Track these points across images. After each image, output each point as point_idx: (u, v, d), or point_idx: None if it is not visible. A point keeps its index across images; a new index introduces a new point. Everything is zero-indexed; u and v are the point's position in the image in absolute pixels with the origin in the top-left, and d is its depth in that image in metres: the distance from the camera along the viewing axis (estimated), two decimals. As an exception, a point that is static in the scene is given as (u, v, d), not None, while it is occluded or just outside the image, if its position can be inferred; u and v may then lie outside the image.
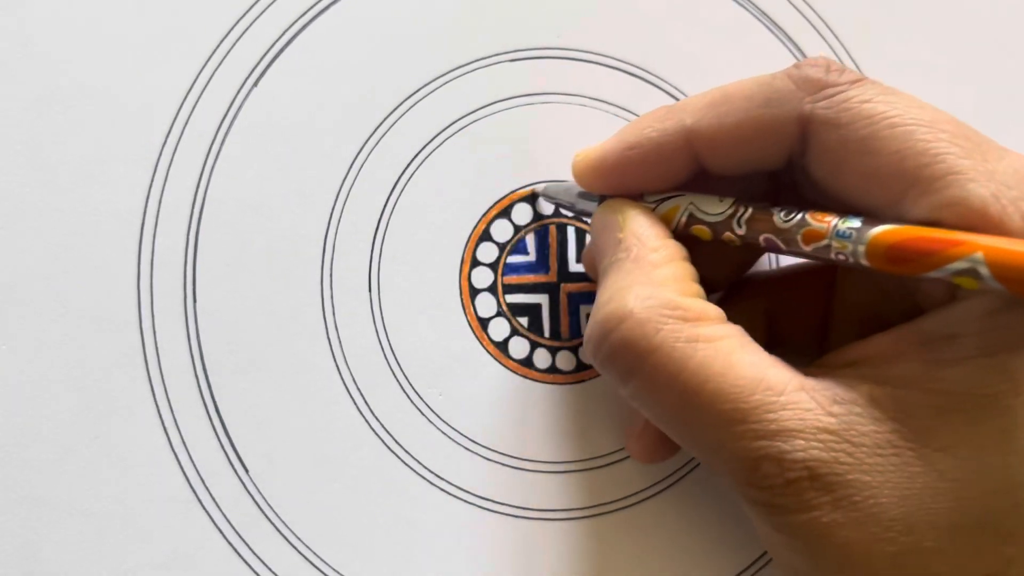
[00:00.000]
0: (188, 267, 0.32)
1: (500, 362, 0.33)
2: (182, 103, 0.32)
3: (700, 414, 0.25)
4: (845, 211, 0.25)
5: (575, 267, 0.33)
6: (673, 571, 0.32)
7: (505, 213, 0.33)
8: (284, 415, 0.32)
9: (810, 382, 0.25)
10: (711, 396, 0.24)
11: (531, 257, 0.33)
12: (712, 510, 0.33)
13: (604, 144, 0.29)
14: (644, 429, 0.31)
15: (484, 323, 0.33)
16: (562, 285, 0.33)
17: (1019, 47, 0.35)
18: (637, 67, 0.34)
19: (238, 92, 0.33)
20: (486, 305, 0.33)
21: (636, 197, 0.29)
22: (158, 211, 0.32)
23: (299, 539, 0.31)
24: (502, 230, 0.33)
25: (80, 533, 0.31)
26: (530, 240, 0.33)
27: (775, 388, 0.24)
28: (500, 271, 0.33)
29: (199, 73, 0.32)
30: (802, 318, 0.31)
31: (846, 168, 0.25)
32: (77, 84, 0.32)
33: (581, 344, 0.33)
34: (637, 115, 0.34)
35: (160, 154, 0.32)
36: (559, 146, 0.34)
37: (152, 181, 0.32)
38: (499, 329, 0.33)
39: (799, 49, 0.34)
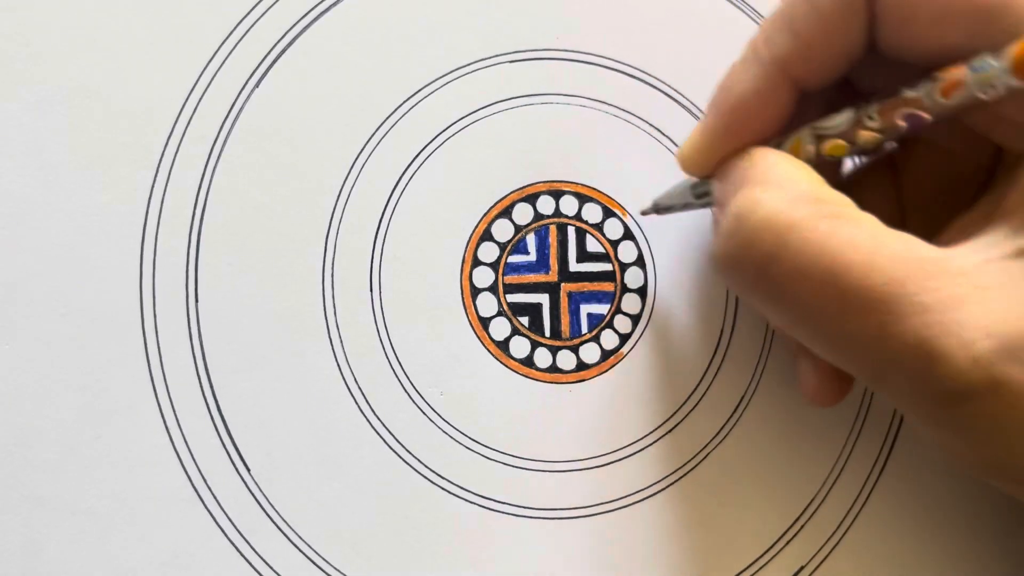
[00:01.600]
0: (190, 267, 0.32)
1: (501, 361, 0.33)
2: (184, 104, 0.32)
3: (852, 295, 0.22)
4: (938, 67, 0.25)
5: (575, 267, 0.34)
6: (673, 570, 0.32)
7: (506, 213, 0.34)
8: (285, 414, 0.32)
9: (956, 250, 0.23)
10: (863, 271, 0.22)
11: (531, 257, 0.33)
12: (712, 509, 0.33)
13: (703, 123, 0.28)
14: (815, 367, 0.29)
15: (485, 323, 0.33)
16: (562, 285, 0.33)
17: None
18: (635, 68, 0.34)
19: (240, 93, 0.33)
20: (487, 305, 0.33)
21: None
22: (160, 211, 0.32)
23: (300, 538, 0.32)
24: (503, 230, 0.33)
25: (82, 532, 0.31)
26: (531, 240, 0.34)
27: (929, 258, 0.23)
28: (501, 271, 0.33)
29: (201, 74, 0.33)
30: (878, 206, 0.31)
31: (919, 17, 0.25)
32: (80, 85, 0.32)
33: (582, 343, 0.33)
34: (636, 116, 0.34)
35: (162, 155, 0.32)
36: (558, 146, 0.34)
37: (154, 182, 0.32)
38: (500, 328, 0.33)
39: (798, 49, 0.35)
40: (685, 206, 0.31)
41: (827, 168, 0.28)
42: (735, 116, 0.28)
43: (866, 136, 0.27)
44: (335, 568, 0.32)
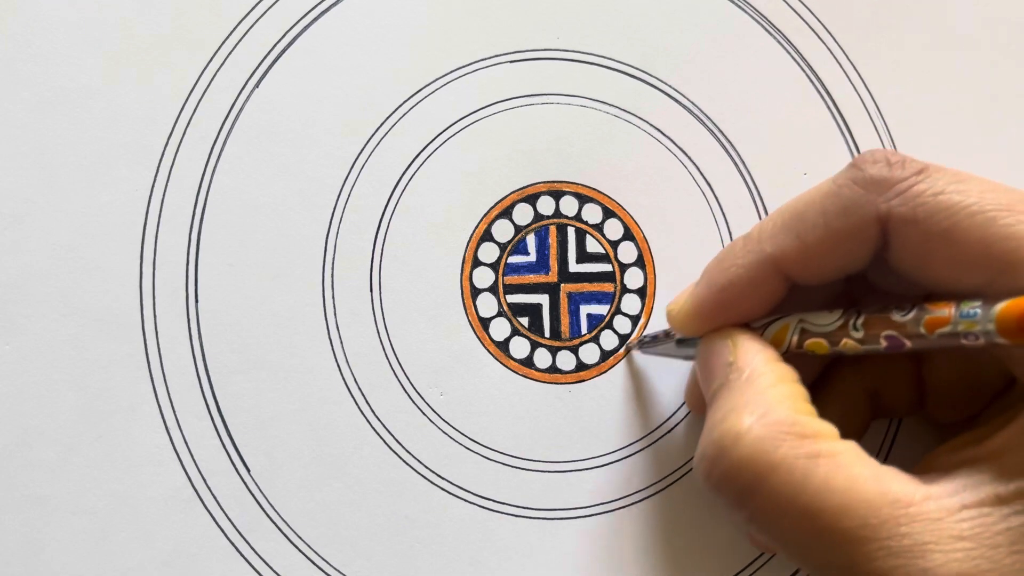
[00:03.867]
0: (190, 267, 0.32)
1: (501, 362, 0.33)
2: (184, 104, 0.32)
3: (826, 534, 0.24)
4: (932, 298, 0.26)
5: (575, 267, 0.34)
6: (672, 570, 0.32)
7: (506, 213, 0.34)
8: (285, 414, 0.32)
9: (935, 489, 0.24)
10: (837, 513, 0.24)
11: (531, 257, 0.33)
12: (711, 510, 0.33)
13: (695, 292, 0.29)
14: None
15: (485, 323, 0.33)
16: (562, 285, 0.33)
17: (1016, 49, 0.35)
18: (636, 68, 0.34)
19: (240, 93, 0.33)
20: (487, 305, 0.33)
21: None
22: (160, 212, 0.32)
23: (300, 538, 0.32)
24: (503, 230, 0.33)
25: (83, 531, 0.31)
26: (531, 240, 0.34)
27: (902, 500, 0.24)
28: (501, 271, 0.33)
29: (201, 74, 0.33)
30: (899, 390, 0.31)
31: (932, 260, 0.26)
32: (80, 86, 0.32)
33: (582, 344, 0.33)
34: (637, 116, 0.34)
35: (162, 155, 0.32)
36: (559, 147, 0.34)
37: (154, 182, 0.32)
38: (500, 329, 0.33)
39: (797, 51, 0.35)
40: (671, 353, 0.32)
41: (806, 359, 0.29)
42: (725, 294, 0.29)
43: (848, 344, 0.27)
44: (335, 568, 0.32)
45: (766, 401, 0.26)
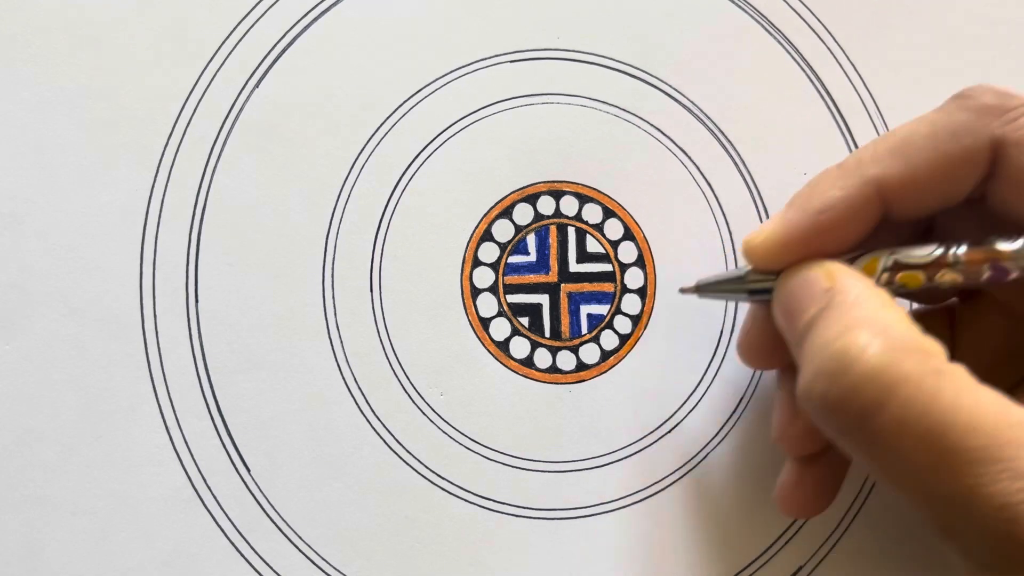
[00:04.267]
0: (190, 267, 0.32)
1: (501, 362, 0.33)
2: (183, 104, 0.32)
3: (951, 454, 0.22)
4: None
5: (575, 267, 0.34)
6: (672, 569, 0.32)
7: (506, 213, 0.34)
8: (285, 414, 0.32)
9: None
10: (963, 432, 0.22)
11: (532, 257, 0.33)
12: (712, 509, 0.33)
13: (784, 217, 0.27)
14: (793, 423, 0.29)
15: (485, 323, 0.33)
16: (562, 285, 0.33)
17: (1016, 48, 0.35)
18: (636, 68, 0.34)
19: (240, 93, 0.33)
20: (487, 305, 0.33)
21: None
22: (160, 211, 0.32)
23: (300, 538, 0.32)
24: (503, 230, 0.33)
25: (82, 531, 0.31)
26: (531, 240, 0.34)
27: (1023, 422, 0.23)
28: (501, 271, 0.33)
29: (201, 74, 0.33)
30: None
31: None
32: (81, 85, 0.32)
33: (582, 344, 0.33)
34: (637, 116, 0.34)
35: (162, 155, 0.32)
36: (559, 147, 0.34)
37: (154, 182, 0.32)
38: (500, 329, 0.33)
39: (797, 51, 0.35)
40: (730, 295, 0.30)
41: None
42: (824, 219, 0.27)
43: (946, 276, 0.26)
44: (335, 568, 0.32)
45: (882, 320, 0.24)
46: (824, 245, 0.27)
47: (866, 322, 0.24)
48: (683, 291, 0.31)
